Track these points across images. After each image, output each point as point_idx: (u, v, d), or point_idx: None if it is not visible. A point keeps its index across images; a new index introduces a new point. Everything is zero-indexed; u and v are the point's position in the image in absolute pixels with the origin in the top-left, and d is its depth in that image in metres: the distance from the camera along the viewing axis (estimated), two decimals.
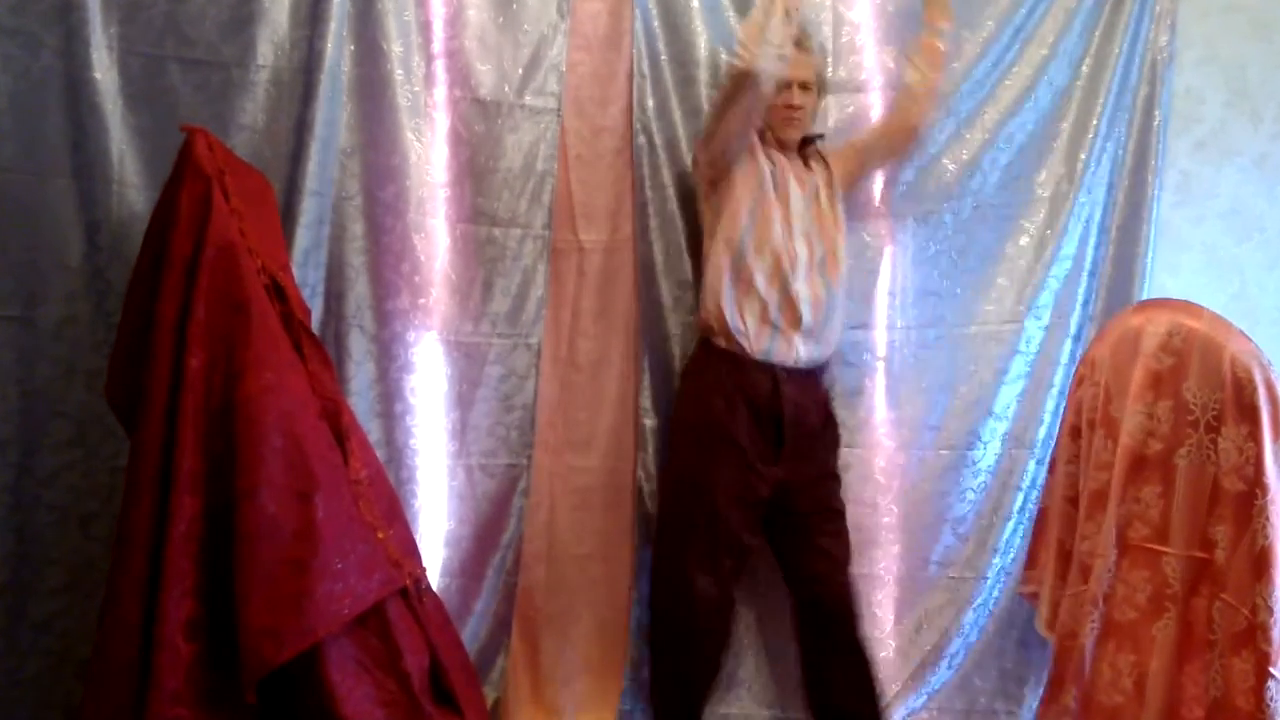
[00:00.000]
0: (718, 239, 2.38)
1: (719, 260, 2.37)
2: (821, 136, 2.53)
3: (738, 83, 2.22)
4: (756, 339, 2.34)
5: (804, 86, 2.40)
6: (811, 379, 2.42)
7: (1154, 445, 1.95)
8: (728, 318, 2.34)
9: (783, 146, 2.44)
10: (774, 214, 2.35)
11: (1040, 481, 2.50)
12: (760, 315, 2.34)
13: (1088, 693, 1.98)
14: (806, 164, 2.47)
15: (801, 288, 2.34)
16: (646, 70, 2.54)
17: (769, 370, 2.34)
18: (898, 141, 2.50)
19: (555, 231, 2.57)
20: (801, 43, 2.38)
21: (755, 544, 2.42)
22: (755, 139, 2.41)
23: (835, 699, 2.42)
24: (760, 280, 2.33)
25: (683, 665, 2.42)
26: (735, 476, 2.34)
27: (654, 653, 2.47)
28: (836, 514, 2.46)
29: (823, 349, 2.40)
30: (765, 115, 2.39)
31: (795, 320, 2.34)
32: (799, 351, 2.36)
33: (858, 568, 2.53)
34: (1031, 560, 2.37)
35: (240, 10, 2.29)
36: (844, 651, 2.40)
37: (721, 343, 2.37)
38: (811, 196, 2.42)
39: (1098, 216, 2.59)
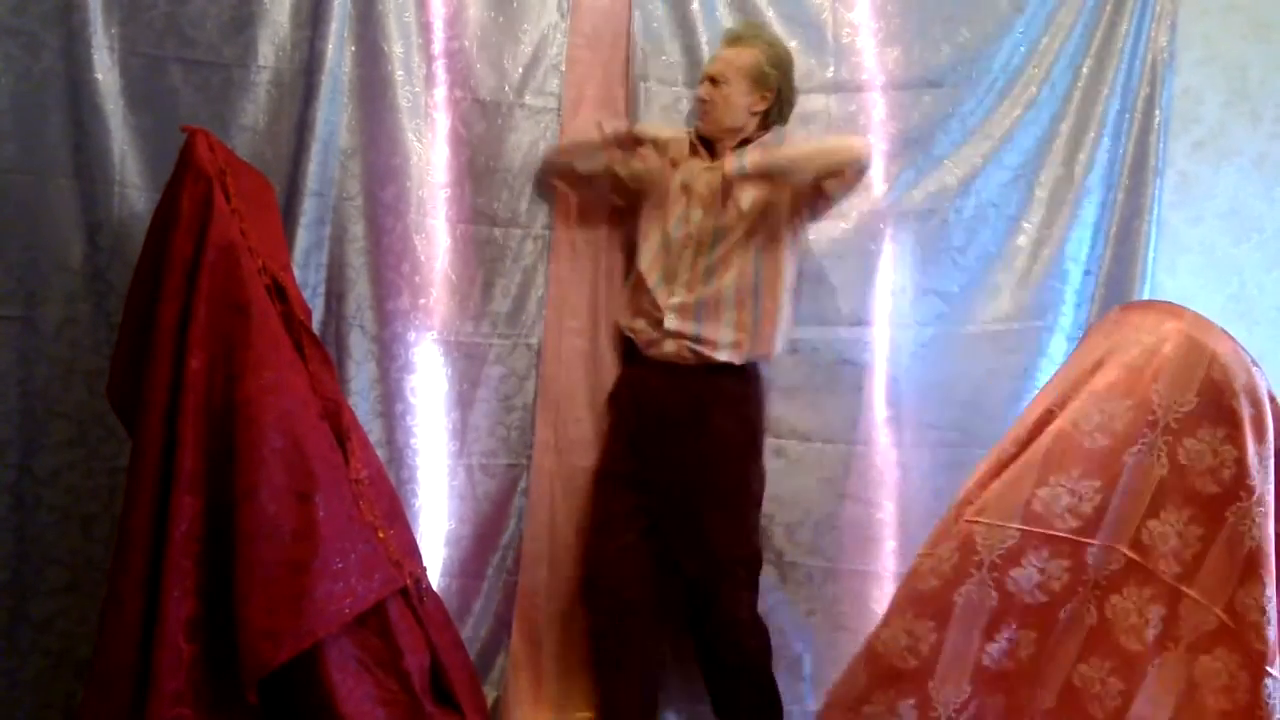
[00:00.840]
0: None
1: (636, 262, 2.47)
2: (748, 141, 2.41)
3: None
4: (643, 334, 2.42)
5: (713, 80, 2.37)
6: (695, 378, 2.37)
7: (1100, 440, 1.91)
8: (625, 317, 2.47)
9: (710, 148, 2.43)
10: (664, 218, 2.41)
11: None
12: (648, 316, 2.41)
13: (983, 669, 1.97)
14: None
15: (678, 292, 2.37)
16: (649, 71, 2.55)
17: (653, 365, 2.41)
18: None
19: (555, 231, 2.58)
20: (738, 38, 2.40)
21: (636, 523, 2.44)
22: (684, 150, 2.44)
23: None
24: (646, 281, 2.41)
25: None
26: (609, 451, 2.51)
27: None
28: (701, 544, 2.37)
29: (710, 348, 2.35)
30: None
31: (659, 321, 2.38)
32: (665, 347, 2.38)
33: (856, 564, 2.56)
34: None
35: (241, 11, 2.29)
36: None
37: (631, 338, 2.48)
38: (717, 201, 2.37)
39: (1098, 217, 2.59)
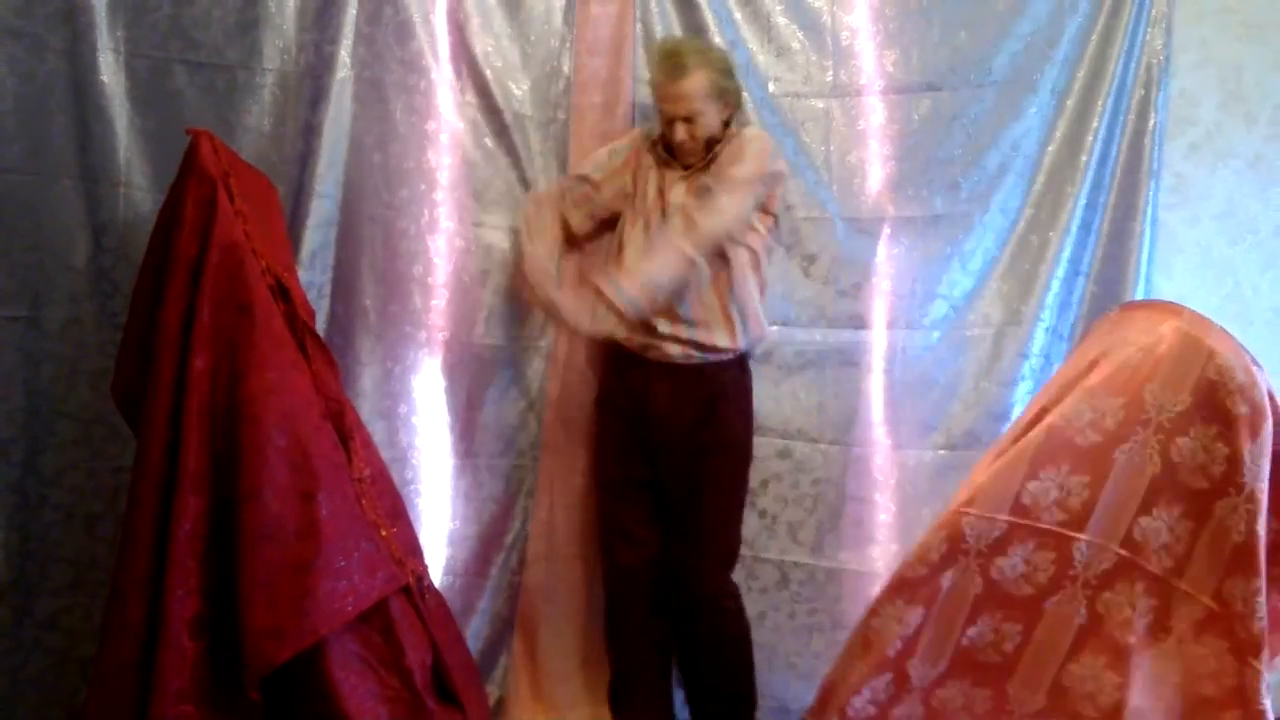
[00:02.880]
0: None
1: None
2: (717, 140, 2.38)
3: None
4: (637, 340, 2.40)
5: (687, 119, 2.33)
6: (699, 376, 2.39)
7: (1091, 436, 1.93)
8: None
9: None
10: (640, 224, 2.41)
11: None
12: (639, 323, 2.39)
13: (963, 651, 1.99)
14: (709, 169, 2.39)
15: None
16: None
17: (654, 367, 2.40)
18: None
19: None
20: (681, 66, 2.30)
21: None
22: (650, 158, 2.44)
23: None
24: None
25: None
26: (607, 457, 2.53)
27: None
28: (694, 528, 2.42)
29: (710, 346, 2.37)
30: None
31: (653, 328, 2.36)
32: (668, 349, 2.37)
33: (855, 564, 2.57)
34: None
35: (246, 13, 2.30)
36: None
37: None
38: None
39: (1091, 219, 2.61)
